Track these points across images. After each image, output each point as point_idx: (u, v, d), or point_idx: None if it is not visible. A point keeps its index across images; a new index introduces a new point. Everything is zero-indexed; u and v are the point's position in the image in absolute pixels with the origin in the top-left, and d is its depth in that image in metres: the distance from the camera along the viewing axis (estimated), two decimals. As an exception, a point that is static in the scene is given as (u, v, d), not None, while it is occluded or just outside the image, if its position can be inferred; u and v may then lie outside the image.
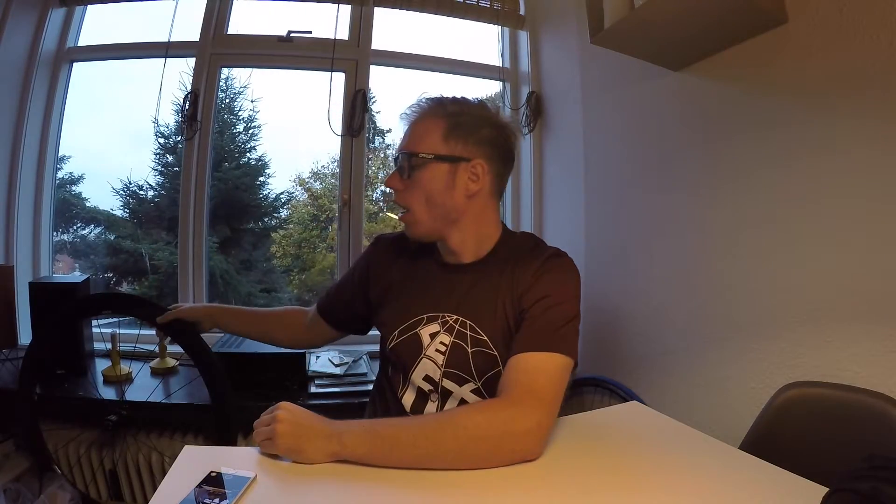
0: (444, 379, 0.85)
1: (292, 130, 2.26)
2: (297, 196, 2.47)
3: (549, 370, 0.75)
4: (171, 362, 1.62)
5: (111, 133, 2.11)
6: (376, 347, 1.05)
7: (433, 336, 0.87)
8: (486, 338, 0.84)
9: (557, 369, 0.75)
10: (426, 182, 0.84)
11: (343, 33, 1.93)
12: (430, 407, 0.87)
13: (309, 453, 0.65)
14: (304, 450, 0.65)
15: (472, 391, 0.85)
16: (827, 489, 0.55)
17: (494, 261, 0.88)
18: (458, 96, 0.89)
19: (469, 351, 0.84)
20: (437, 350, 0.86)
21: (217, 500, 0.56)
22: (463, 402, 0.85)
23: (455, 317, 0.86)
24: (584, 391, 1.60)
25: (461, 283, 0.88)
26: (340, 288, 1.06)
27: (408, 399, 0.89)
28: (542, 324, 0.78)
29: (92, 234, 2.15)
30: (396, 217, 2.39)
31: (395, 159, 0.89)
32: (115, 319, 1.62)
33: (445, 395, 0.86)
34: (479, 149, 0.85)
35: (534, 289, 0.82)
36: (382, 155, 2.43)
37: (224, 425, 1.14)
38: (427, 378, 0.87)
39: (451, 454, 0.67)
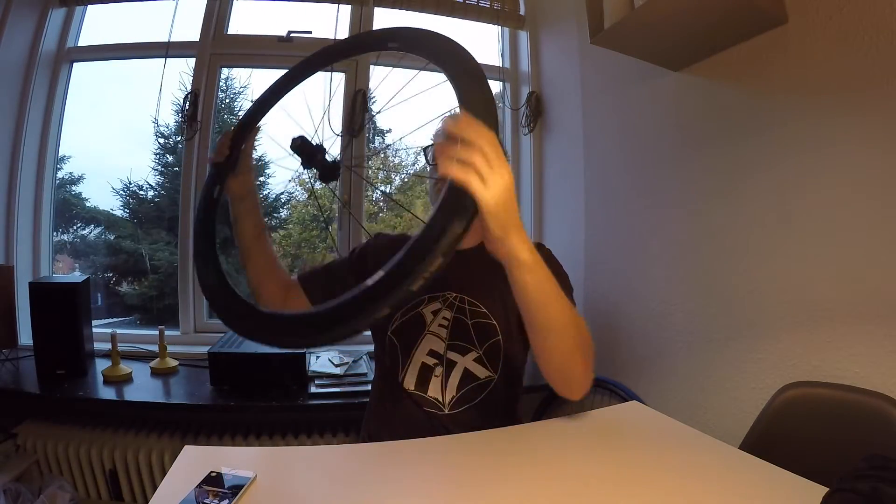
0: (448, 351, 0.92)
1: (292, 131, 2.26)
2: (296, 196, 2.46)
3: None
4: (172, 362, 1.62)
5: (111, 133, 2.11)
6: (377, 347, 1.06)
7: (435, 313, 0.94)
8: (484, 309, 0.92)
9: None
10: None
11: (343, 33, 1.93)
12: (434, 381, 0.91)
13: (511, 231, 0.62)
14: (507, 224, 0.61)
15: (475, 360, 0.92)
16: (827, 489, 0.55)
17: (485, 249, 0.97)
18: None
19: (469, 323, 0.92)
20: (440, 325, 0.93)
21: (217, 500, 0.56)
22: (466, 370, 0.91)
23: (455, 294, 0.95)
24: (584, 391, 1.60)
25: (458, 265, 0.96)
26: (330, 265, 1.06)
27: (409, 380, 0.92)
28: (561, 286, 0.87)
29: (92, 234, 2.15)
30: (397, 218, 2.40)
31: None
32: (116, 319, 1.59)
33: (450, 365, 0.92)
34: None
35: None
36: (382, 155, 2.42)
37: None
38: (431, 352, 0.92)
39: (569, 343, 0.71)
